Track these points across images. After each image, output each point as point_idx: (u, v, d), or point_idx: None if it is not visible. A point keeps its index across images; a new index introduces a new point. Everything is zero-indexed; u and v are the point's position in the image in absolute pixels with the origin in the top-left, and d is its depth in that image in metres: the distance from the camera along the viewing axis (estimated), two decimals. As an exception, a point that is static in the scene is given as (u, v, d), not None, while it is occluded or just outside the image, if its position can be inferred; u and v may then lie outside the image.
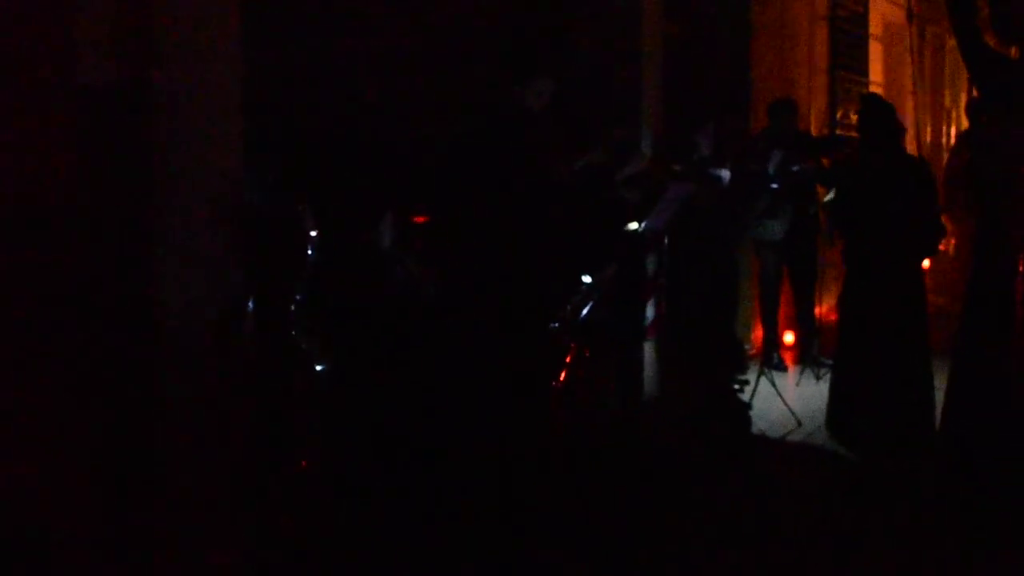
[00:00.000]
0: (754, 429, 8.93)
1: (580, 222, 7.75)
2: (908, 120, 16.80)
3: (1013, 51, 7.32)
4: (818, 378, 10.43)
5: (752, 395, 9.31)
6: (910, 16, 9.78)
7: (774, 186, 9.88)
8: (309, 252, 6.00)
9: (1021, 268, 6.93)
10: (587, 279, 7.71)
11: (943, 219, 8.75)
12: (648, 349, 9.04)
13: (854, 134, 9.91)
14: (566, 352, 7.31)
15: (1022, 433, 6.91)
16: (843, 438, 8.24)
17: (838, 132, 13.54)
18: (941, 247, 9.50)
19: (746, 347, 11.13)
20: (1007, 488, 6.90)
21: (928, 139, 18.76)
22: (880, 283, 8.07)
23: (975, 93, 10.24)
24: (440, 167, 6.89)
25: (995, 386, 7.02)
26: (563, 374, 7.28)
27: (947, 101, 19.94)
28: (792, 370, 11.00)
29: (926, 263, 9.16)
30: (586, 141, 8.05)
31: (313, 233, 6.03)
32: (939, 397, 7.61)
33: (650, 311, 9.01)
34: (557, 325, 7.34)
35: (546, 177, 6.94)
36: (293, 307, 5.94)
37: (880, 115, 8.34)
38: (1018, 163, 7.07)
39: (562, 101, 7.15)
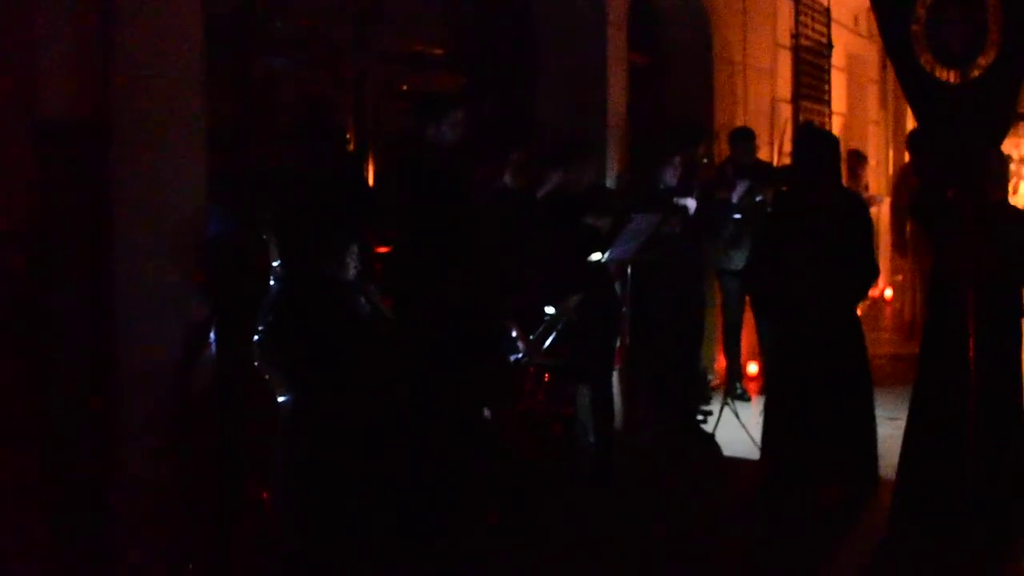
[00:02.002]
0: (717, 459, 8.95)
1: (542, 250, 7.81)
2: (871, 150, 16.94)
3: (951, 75, 7.13)
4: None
5: (716, 425, 9.33)
6: (829, 45, 9.72)
7: (738, 216, 9.93)
8: (272, 282, 5.98)
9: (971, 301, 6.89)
10: (549, 309, 7.73)
11: (879, 259, 8.32)
12: (614, 379, 9.05)
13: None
14: (523, 378, 7.32)
15: (978, 467, 6.93)
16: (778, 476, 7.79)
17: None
18: (875, 291, 8.99)
19: (710, 377, 11.15)
20: (959, 522, 6.93)
21: (890, 170, 18.86)
22: (811, 323, 7.54)
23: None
24: (381, 200, 7.08)
25: (953, 421, 6.99)
26: (522, 400, 7.30)
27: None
28: (755, 400, 11.01)
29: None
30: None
31: (276, 263, 6.02)
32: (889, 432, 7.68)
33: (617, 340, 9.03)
34: (521, 355, 7.37)
35: (473, 202, 7.15)
36: (256, 337, 5.93)
37: (818, 146, 7.79)
38: (962, 192, 7.01)
39: (485, 128, 7.34)
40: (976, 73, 7.02)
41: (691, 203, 9.11)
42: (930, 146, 7.72)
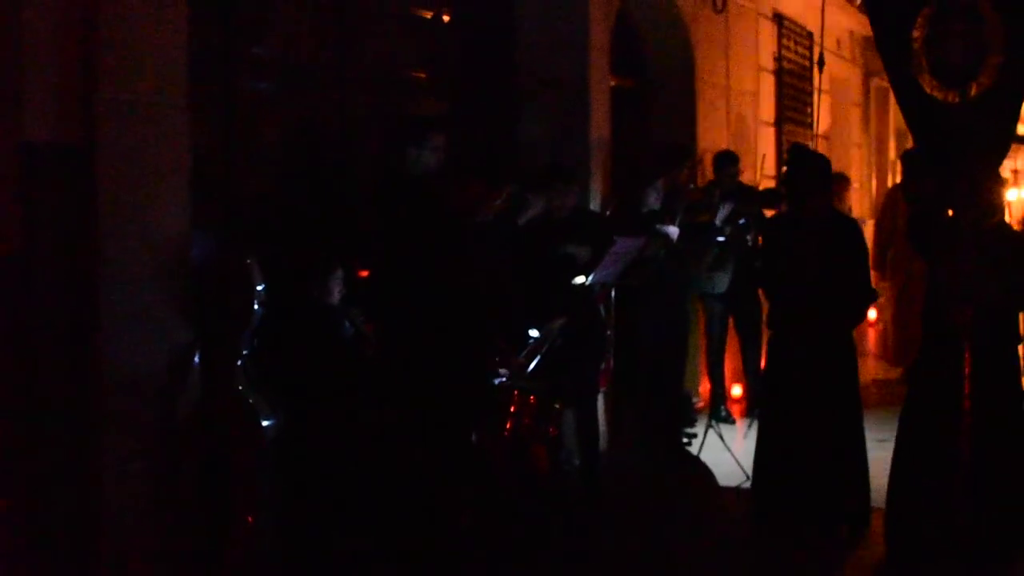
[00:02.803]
0: (702, 482, 8.95)
1: (524, 275, 7.82)
2: (854, 173, 17.01)
3: (950, 95, 7.00)
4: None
5: (700, 448, 9.33)
6: (821, 62, 9.64)
7: (721, 238, 9.95)
8: (256, 306, 5.99)
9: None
10: (534, 332, 7.74)
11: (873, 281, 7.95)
12: (599, 402, 9.05)
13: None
14: (508, 401, 7.32)
15: (967, 502, 6.76)
16: (770, 504, 7.66)
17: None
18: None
19: (694, 400, 11.16)
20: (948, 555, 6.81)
21: (873, 193, 18.94)
22: (804, 350, 7.37)
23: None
24: (363, 227, 7.09)
25: (945, 452, 6.83)
26: (508, 422, 7.30)
27: (892, 154, 20.14)
28: (740, 422, 11.02)
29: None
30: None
31: (260, 287, 6.03)
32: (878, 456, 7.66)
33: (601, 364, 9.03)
34: (504, 378, 7.38)
35: (456, 227, 7.12)
36: (240, 361, 5.93)
37: (808, 167, 7.68)
38: (960, 214, 6.91)
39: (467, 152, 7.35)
40: (976, 92, 6.92)
41: (673, 231, 9.09)
42: (928, 166, 7.60)
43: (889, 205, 13.26)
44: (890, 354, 13.81)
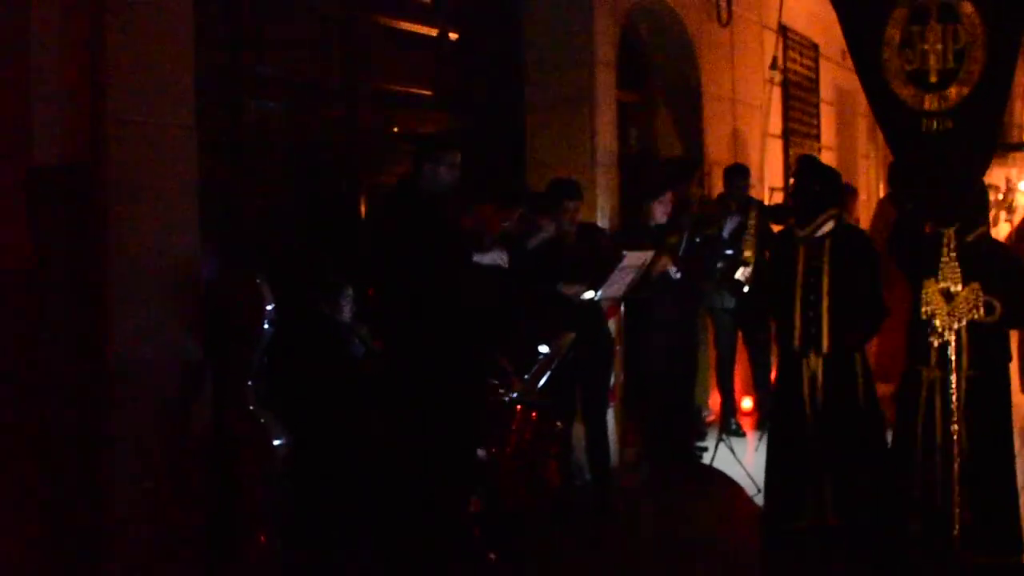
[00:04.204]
0: (714, 495, 8.94)
1: (536, 294, 7.83)
2: (860, 184, 17.00)
3: (929, 101, 6.40)
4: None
5: (712, 461, 9.32)
6: (774, 63, 9.22)
7: (729, 252, 9.94)
8: (266, 325, 6.00)
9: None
10: (544, 348, 7.73)
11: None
12: (608, 416, 9.05)
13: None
14: (511, 417, 7.31)
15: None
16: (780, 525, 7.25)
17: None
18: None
19: (704, 413, 11.15)
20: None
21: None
22: (813, 368, 7.06)
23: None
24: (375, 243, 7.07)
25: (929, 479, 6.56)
26: (511, 438, 7.30)
27: (899, 164, 20.10)
28: (750, 435, 11.00)
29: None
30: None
31: (270, 306, 6.03)
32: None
33: (611, 379, 9.03)
34: (515, 395, 7.38)
35: (467, 244, 7.11)
36: (251, 380, 5.94)
37: (817, 179, 7.29)
38: (941, 227, 6.52)
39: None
40: (956, 98, 6.39)
41: (673, 270, 9.09)
42: (905, 176, 7.07)
43: (880, 216, 13.21)
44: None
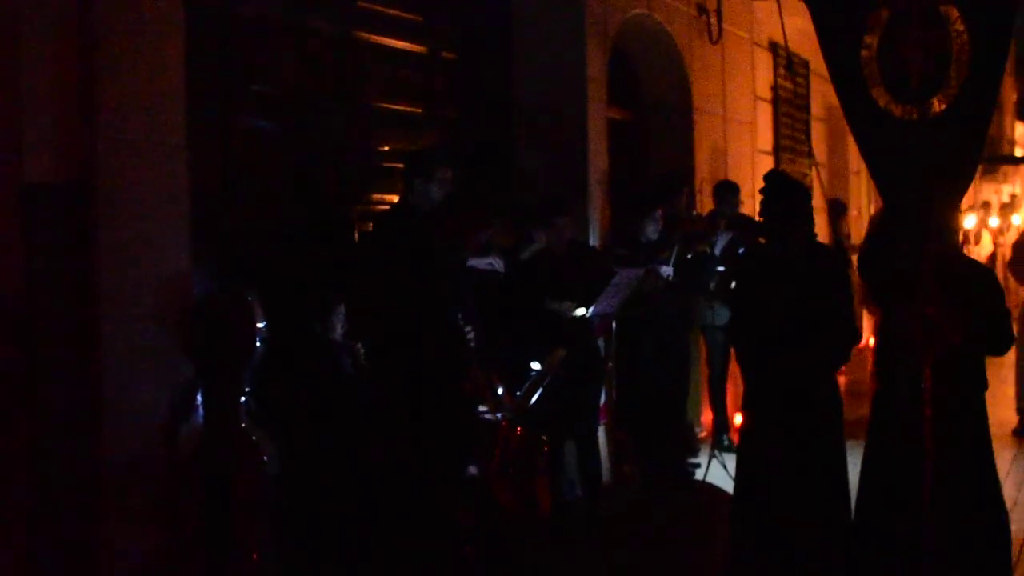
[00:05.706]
0: (706, 511, 8.94)
1: (526, 307, 7.84)
2: (851, 200, 17.04)
3: (908, 112, 5.94)
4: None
5: (704, 477, 9.33)
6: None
7: (721, 268, 9.96)
8: (257, 343, 6.01)
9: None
10: (535, 365, 7.74)
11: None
12: (600, 433, 9.05)
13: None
14: (495, 432, 7.30)
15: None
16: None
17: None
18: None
19: (697, 429, 11.16)
20: None
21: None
22: (783, 395, 6.52)
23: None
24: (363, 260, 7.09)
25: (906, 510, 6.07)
26: (495, 452, 7.29)
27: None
28: (743, 451, 11.00)
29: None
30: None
31: (261, 324, 6.04)
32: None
33: (602, 395, 9.04)
34: (505, 412, 7.38)
35: (453, 260, 7.11)
36: (242, 398, 5.94)
37: (787, 196, 6.62)
38: (918, 246, 5.95)
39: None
40: (938, 109, 5.96)
41: (667, 270, 9.08)
42: (881, 192, 6.48)
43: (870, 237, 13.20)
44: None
